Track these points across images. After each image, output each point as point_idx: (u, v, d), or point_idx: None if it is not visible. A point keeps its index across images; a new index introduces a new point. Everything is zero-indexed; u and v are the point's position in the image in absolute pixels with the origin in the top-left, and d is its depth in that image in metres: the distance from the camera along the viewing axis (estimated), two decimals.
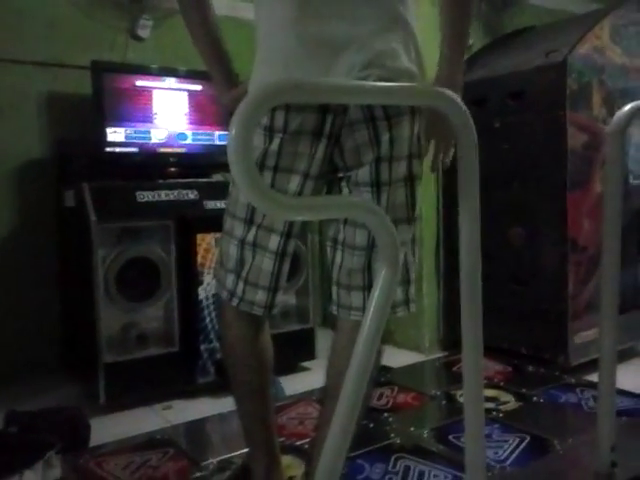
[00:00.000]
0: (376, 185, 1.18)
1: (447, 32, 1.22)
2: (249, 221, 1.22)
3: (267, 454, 1.36)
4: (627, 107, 1.41)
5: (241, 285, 1.25)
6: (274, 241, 1.21)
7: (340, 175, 1.22)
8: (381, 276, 0.97)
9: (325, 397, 1.28)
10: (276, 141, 1.15)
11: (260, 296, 1.24)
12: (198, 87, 2.48)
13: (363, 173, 1.18)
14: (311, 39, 1.12)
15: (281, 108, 1.13)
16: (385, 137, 1.16)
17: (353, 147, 1.17)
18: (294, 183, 1.16)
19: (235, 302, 1.26)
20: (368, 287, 1.20)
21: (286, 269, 1.26)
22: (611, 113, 2.33)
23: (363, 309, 1.19)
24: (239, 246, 1.24)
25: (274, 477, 1.34)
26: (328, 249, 1.28)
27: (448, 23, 1.22)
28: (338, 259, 1.25)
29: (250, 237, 1.22)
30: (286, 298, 1.30)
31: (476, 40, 2.98)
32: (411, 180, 1.22)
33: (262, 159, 1.16)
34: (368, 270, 1.22)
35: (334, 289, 1.27)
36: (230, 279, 1.27)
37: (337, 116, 1.14)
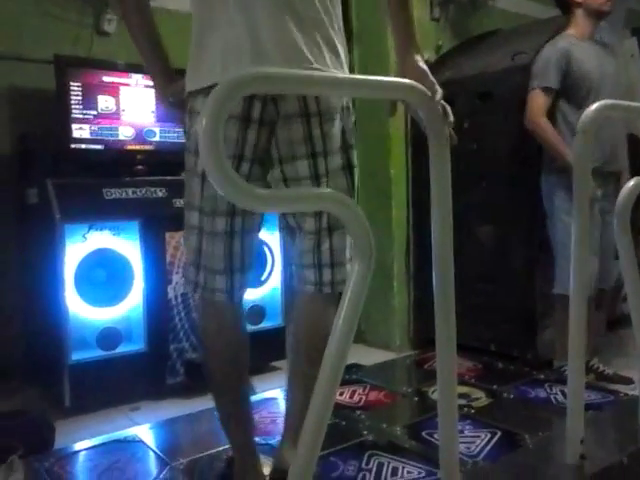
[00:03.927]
0: (315, 177, 1.28)
1: (398, 25, 1.30)
2: (199, 208, 1.26)
3: (242, 456, 1.38)
4: (595, 105, 1.43)
5: (202, 274, 1.28)
6: (220, 223, 1.25)
7: (272, 171, 1.29)
8: (355, 269, 0.96)
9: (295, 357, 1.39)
10: None
11: (219, 281, 1.27)
12: None
13: (302, 167, 1.27)
14: (249, 47, 1.19)
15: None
16: (316, 132, 1.25)
17: (287, 139, 1.25)
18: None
19: (199, 292, 1.30)
20: (318, 265, 1.32)
21: (238, 249, 1.27)
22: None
23: (315, 283, 1.33)
24: (198, 234, 1.27)
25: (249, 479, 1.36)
26: (284, 235, 1.40)
27: (396, 18, 1.30)
28: (294, 242, 1.37)
29: (207, 225, 1.26)
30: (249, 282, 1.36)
31: (444, 42, 3.01)
32: (350, 169, 1.33)
33: (196, 145, 1.20)
34: (317, 250, 1.32)
35: (293, 268, 1.39)
36: (191, 270, 1.30)
37: (266, 104, 1.21)
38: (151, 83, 2.36)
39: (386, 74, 2.65)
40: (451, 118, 1.16)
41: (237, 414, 1.39)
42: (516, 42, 2.68)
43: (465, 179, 2.52)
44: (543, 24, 2.81)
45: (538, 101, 2.23)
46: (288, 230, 1.37)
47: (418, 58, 1.26)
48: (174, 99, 1.38)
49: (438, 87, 1.18)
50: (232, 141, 1.21)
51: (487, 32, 3.06)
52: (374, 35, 2.83)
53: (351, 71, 2.91)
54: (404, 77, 1.22)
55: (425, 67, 1.24)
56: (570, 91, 2.23)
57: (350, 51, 2.93)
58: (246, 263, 1.30)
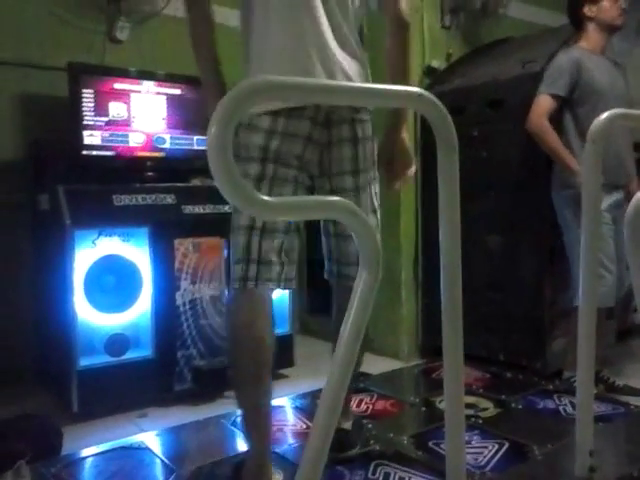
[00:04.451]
0: (356, 189, 1.54)
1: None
2: None
3: (256, 456, 1.45)
4: (605, 115, 1.42)
5: (253, 268, 1.43)
6: (283, 220, 1.45)
7: (320, 182, 1.54)
8: (361, 278, 0.96)
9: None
10: (275, 141, 1.43)
11: (274, 272, 1.45)
12: (177, 91, 2.45)
13: (348, 181, 1.53)
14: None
15: (282, 114, 1.42)
16: (361, 153, 1.53)
17: (339, 158, 1.52)
18: (292, 173, 1.45)
19: (251, 285, 1.42)
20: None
21: (289, 245, 1.48)
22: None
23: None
24: (247, 233, 1.43)
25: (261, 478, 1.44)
26: (324, 238, 1.64)
27: (397, 71, 1.58)
28: (334, 245, 1.62)
29: (259, 223, 1.43)
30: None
31: (455, 49, 3.01)
32: (375, 182, 1.61)
33: (245, 152, 1.44)
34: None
35: (335, 266, 1.64)
36: (239, 267, 1.43)
37: (323, 129, 1.48)
38: (162, 90, 2.42)
39: None
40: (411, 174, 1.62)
41: (258, 414, 1.45)
42: (527, 50, 2.67)
43: (474, 187, 2.52)
44: (554, 32, 2.81)
45: (543, 105, 2.23)
46: (326, 233, 1.63)
47: (404, 136, 1.61)
48: None
49: (414, 163, 1.62)
50: (296, 157, 1.45)
51: (498, 40, 3.06)
52: (384, 43, 2.83)
53: None
54: (387, 149, 1.61)
55: (408, 143, 1.62)
56: (578, 102, 2.22)
57: None
58: (292, 258, 1.48)
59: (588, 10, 2.29)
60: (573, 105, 2.24)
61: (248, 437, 1.49)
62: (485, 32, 3.19)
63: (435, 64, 2.89)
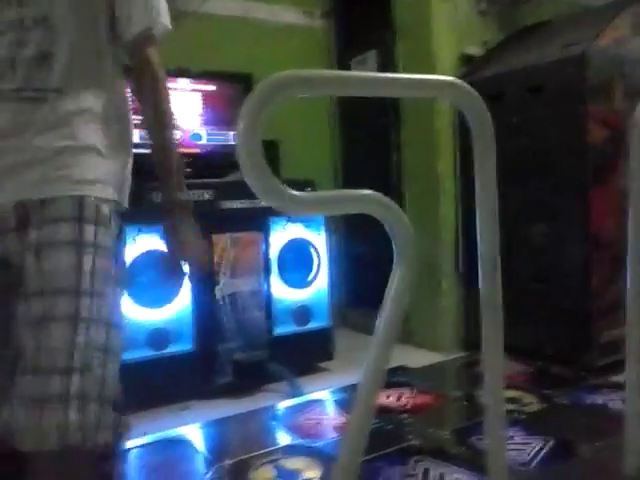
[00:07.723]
0: (73, 319, 1.02)
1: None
2: None
3: None
4: None
5: None
6: None
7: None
8: (397, 272, 0.95)
9: None
10: None
11: None
12: (212, 87, 2.47)
13: (63, 303, 1.02)
14: None
15: None
16: (86, 265, 1.06)
17: (49, 270, 1.03)
18: None
19: None
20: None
21: None
22: (634, 106, 2.27)
23: None
24: None
25: None
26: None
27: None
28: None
29: None
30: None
31: (492, 36, 2.93)
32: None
33: None
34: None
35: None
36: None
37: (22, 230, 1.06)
38: (197, 87, 2.44)
39: (432, 70, 2.61)
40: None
41: None
42: (568, 33, 2.58)
43: (516, 175, 2.46)
44: (598, 12, 2.70)
45: None
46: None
47: (176, 196, 1.25)
48: None
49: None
50: None
51: (536, 24, 2.96)
52: (418, 32, 2.79)
53: (395, 68, 2.88)
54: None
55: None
56: None
57: (394, 48, 2.89)
58: None
59: None
60: None
61: None
62: (523, 17, 3.09)
63: (471, 51, 2.82)
